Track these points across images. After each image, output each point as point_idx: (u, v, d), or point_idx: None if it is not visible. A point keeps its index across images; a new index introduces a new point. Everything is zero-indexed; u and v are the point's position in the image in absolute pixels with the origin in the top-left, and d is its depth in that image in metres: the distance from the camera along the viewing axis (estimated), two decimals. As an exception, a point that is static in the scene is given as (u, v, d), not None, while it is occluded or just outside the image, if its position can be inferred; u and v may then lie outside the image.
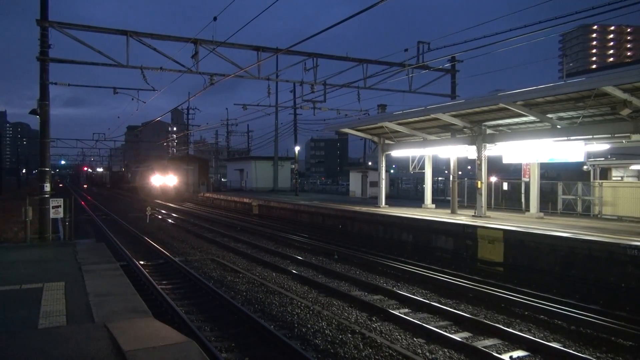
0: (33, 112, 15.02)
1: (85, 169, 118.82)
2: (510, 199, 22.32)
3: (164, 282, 11.74)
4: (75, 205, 18.84)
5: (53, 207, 14.50)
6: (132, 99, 20.32)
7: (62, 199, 14.82)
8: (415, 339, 7.79)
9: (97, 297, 7.39)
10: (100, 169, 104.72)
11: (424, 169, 21.98)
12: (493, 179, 22.20)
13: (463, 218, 16.49)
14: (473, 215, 17.22)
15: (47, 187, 14.93)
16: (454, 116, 16.89)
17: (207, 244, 18.29)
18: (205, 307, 9.60)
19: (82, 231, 20.69)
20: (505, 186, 22.81)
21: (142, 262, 13.78)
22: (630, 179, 20.35)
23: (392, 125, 19.78)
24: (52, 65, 15.10)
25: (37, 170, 19.02)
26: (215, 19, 15.20)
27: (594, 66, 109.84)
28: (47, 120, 14.92)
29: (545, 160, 15.84)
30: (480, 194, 17.21)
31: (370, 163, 44.87)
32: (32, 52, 15.42)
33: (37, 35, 14.73)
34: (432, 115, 17.02)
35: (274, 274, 12.84)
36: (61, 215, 14.79)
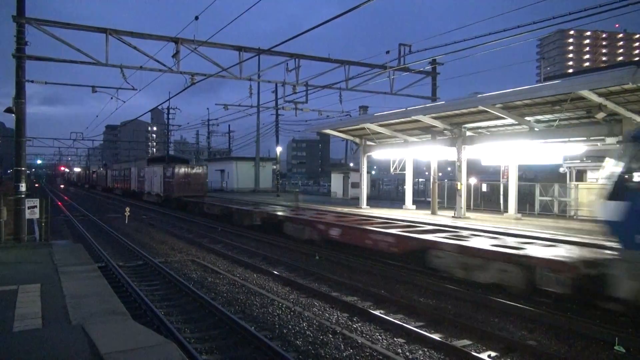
0: (8, 110, 14.67)
1: (63, 168, 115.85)
2: (489, 200, 22.66)
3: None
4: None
5: (29, 208, 14.21)
6: (112, 98, 20.07)
7: (37, 199, 14.53)
8: (395, 339, 7.86)
9: (74, 299, 7.27)
10: (78, 168, 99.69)
11: (404, 171, 22.17)
12: (472, 180, 22.51)
13: (443, 219, 16.66)
14: (453, 216, 17.42)
15: (23, 187, 14.62)
16: (435, 118, 17.08)
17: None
18: (185, 309, 9.52)
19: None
20: (484, 187, 23.17)
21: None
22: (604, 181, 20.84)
23: (374, 127, 19.90)
24: (29, 62, 14.78)
25: (12, 169, 18.59)
26: (196, 18, 15.09)
27: (571, 70, 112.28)
28: (23, 118, 14.60)
29: (523, 162, 16.11)
30: (460, 195, 17.44)
31: (351, 164, 44.98)
32: (8, 48, 15.09)
33: (13, 32, 14.41)
34: (413, 117, 17.18)
35: (254, 275, 12.80)
36: (37, 215, 14.50)
